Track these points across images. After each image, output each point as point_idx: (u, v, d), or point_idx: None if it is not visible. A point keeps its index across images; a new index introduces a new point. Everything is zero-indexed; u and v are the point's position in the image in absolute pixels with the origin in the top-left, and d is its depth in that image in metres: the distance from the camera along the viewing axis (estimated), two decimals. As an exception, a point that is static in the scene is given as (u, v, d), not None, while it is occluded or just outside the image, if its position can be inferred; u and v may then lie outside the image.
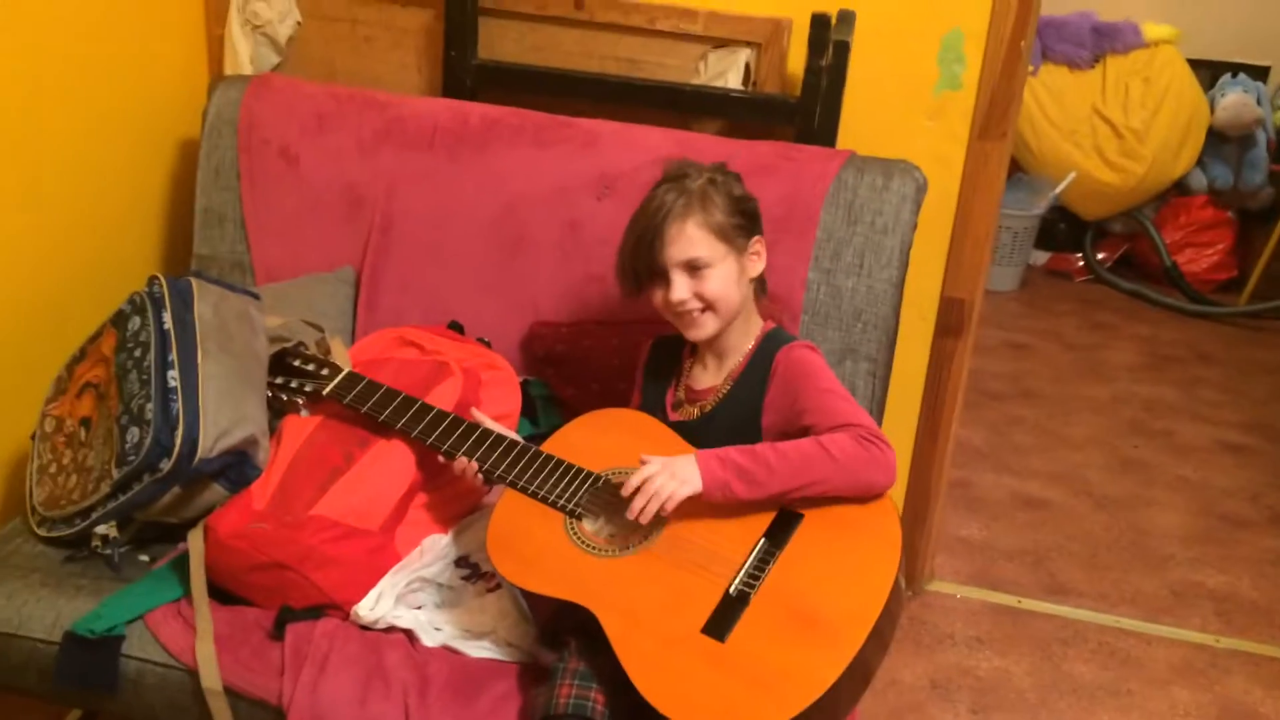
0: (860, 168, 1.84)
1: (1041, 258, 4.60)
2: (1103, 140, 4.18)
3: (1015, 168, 4.22)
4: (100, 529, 1.57)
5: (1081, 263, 4.54)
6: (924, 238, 1.93)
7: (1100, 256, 4.52)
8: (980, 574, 2.54)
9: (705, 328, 1.53)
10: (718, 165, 1.58)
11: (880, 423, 1.92)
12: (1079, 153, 4.21)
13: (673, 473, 1.39)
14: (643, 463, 1.42)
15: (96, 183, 2.02)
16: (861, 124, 2.04)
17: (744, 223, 1.53)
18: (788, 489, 1.39)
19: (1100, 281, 4.46)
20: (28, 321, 1.90)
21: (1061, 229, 4.53)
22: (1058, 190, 4.21)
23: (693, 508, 1.41)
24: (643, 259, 1.51)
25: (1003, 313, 4.11)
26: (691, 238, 1.48)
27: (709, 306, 1.51)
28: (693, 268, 1.49)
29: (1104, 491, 2.93)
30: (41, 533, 1.62)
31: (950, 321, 2.19)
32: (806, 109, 1.99)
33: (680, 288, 1.50)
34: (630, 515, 1.38)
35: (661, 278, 1.51)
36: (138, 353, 1.60)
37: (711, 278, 1.50)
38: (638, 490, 1.38)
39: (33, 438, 1.70)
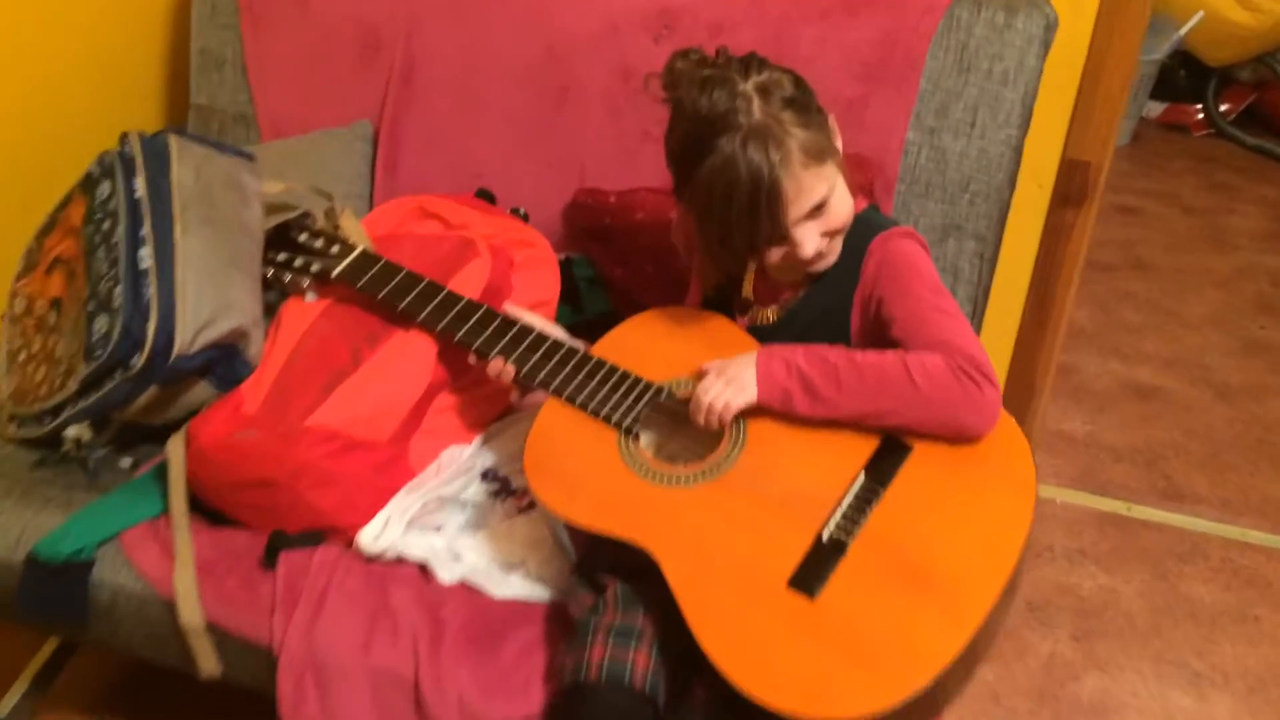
0: (977, 2, 1.55)
1: (1156, 109, 4.21)
2: (1238, -25, 3.74)
3: (1134, 6, 3.77)
4: (71, 431, 1.36)
5: (1201, 115, 4.16)
6: (1047, 90, 1.63)
7: (1223, 108, 4.13)
8: (1084, 476, 2.28)
9: (833, 253, 1.23)
10: (732, 62, 1.17)
11: (984, 307, 1.66)
12: (1209, -11, 3.76)
13: (728, 378, 1.18)
14: (702, 374, 1.20)
15: (80, 18, 1.76)
16: (979, -52, 1.68)
17: (819, 116, 1.19)
18: (857, 413, 1.15)
19: (1222, 136, 4.09)
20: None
21: (1181, 76, 4.12)
22: (1182, 32, 3.79)
23: (777, 431, 1.18)
24: (763, 235, 1.17)
25: (1111, 171, 3.69)
26: (806, 184, 1.14)
27: (834, 234, 1.22)
28: (816, 210, 1.18)
29: (1226, 379, 2.63)
30: (10, 431, 1.43)
31: (1071, 189, 1.91)
32: (912, -72, 1.65)
33: (811, 241, 1.18)
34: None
35: (782, 240, 1.19)
36: (106, 225, 1.37)
37: (833, 207, 1.18)
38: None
39: (4, 319, 1.49)
